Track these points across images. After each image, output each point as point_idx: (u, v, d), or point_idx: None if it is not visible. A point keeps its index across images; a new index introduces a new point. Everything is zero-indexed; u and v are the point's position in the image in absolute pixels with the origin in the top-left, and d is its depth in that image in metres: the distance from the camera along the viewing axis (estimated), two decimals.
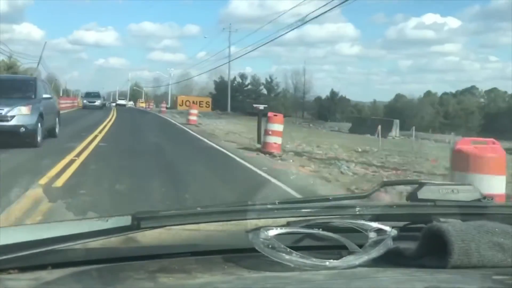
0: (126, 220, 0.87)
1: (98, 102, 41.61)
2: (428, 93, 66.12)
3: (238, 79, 75.75)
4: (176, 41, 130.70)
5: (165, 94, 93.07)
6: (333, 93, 69.85)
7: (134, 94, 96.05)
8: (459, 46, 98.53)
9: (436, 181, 1.17)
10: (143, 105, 70.94)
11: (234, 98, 67.16)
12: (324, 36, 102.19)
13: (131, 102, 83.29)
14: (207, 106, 55.59)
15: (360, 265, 0.84)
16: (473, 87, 66.07)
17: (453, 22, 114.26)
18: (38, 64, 45.72)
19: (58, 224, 0.96)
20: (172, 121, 26.19)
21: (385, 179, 7.48)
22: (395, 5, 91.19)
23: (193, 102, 45.02)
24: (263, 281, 0.82)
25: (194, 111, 24.35)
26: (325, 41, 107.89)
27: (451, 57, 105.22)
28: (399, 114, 46.24)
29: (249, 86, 74.74)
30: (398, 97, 67.99)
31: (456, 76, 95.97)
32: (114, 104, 68.55)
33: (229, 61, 39.63)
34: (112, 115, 27.91)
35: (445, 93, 65.46)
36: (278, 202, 1.04)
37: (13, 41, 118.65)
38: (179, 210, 0.94)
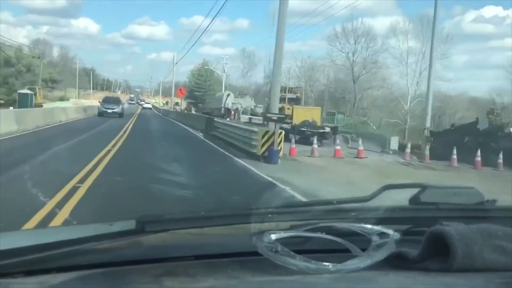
0: (130, 224, 0.87)
1: None
2: None
3: None
4: (226, 35, 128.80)
5: (260, 87, 48.16)
6: None
7: (200, 84, 49.77)
8: None
9: (438, 184, 1.17)
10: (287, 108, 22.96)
11: None
12: (377, 29, 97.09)
13: (236, 100, 34.14)
14: None
15: (363, 269, 0.84)
16: None
17: None
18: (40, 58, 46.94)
19: (63, 229, 0.97)
20: None
21: None
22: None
23: None
24: (267, 285, 0.83)
25: None
26: (378, 35, 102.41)
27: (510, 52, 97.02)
28: None
29: None
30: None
31: None
32: (143, 104, 53.58)
33: None
34: None
35: None
36: (281, 206, 1.04)
37: (72, 35, 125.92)
38: (183, 214, 0.94)
